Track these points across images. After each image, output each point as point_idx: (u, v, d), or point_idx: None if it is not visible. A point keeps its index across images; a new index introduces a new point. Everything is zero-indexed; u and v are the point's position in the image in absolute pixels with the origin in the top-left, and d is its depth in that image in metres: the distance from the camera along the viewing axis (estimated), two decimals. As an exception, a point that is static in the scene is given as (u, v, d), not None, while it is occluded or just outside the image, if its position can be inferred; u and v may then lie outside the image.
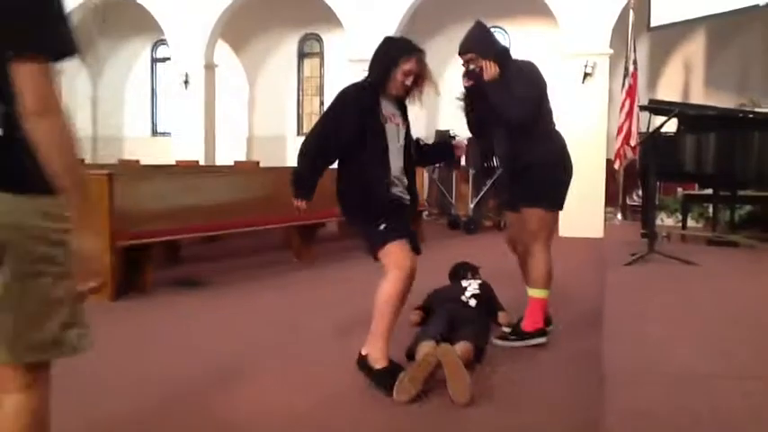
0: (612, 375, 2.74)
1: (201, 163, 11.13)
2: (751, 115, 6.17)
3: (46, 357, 1.59)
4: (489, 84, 3.58)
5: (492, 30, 3.98)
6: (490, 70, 3.58)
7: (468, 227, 9.67)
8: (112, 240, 4.87)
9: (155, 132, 14.77)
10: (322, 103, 12.98)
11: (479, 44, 3.71)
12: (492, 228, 10.10)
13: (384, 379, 3.03)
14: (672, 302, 3.99)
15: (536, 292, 3.78)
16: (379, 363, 3.09)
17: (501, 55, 3.71)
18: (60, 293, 1.56)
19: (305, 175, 3.26)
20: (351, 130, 3.16)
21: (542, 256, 3.74)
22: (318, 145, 3.24)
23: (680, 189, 8.73)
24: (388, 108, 3.26)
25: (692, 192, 7.22)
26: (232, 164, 10.46)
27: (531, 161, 3.70)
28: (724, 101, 9.36)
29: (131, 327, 4.36)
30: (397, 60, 3.17)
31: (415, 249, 3.20)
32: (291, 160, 12.63)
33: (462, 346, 3.27)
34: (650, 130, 6.39)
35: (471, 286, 4.23)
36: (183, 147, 11.99)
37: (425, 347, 3.23)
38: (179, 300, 5.12)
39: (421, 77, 3.25)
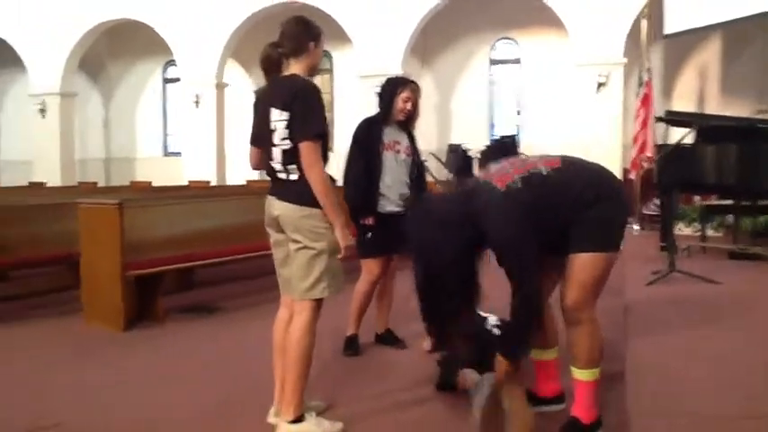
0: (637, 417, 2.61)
1: (213, 183, 11.10)
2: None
3: (308, 297, 2.86)
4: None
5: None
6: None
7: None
8: (123, 270, 4.80)
9: (166, 153, 14.79)
10: (332, 121, 12.91)
11: None
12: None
13: None
14: (697, 334, 3.80)
15: (584, 374, 2.72)
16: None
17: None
18: (313, 262, 2.82)
19: (357, 199, 4.03)
20: (359, 158, 4.07)
21: (590, 323, 2.72)
22: (353, 172, 4.08)
23: (697, 198, 8.56)
24: (390, 136, 4.07)
25: (712, 202, 7.05)
26: (244, 183, 10.41)
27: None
28: (741, 108, 9.19)
29: (143, 360, 4.26)
30: (396, 90, 4.02)
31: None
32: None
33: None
34: (666, 140, 6.27)
35: (491, 318, 4.10)
36: (194, 166, 11.98)
37: (471, 374, 3.17)
38: (192, 328, 5.02)
39: (414, 103, 4.06)
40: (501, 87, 11.51)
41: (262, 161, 3.00)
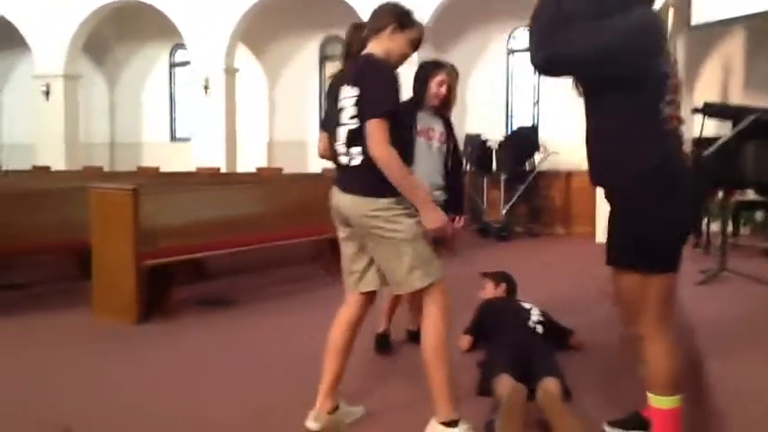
0: None
1: (222, 170, 10.84)
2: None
3: (407, 289, 2.65)
4: None
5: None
6: None
7: (499, 234, 9.30)
8: (137, 260, 4.57)
9: (174, 138, 14.51)
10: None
11: None
12: (524, 234, 9.74)
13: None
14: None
15: (659, 401, 2.35)
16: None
17: None
18: (398, 252, 2.55)
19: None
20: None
21: (660, 341, 2.33)
22: None
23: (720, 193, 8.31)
24: (423, 122, 3.82)
25: (744, 198, 6.81)
26: (254, 170, 10.15)
27: (612, 182, 2.33)
28: (765, 102, 8.93)
29: (162, 355, 4.03)
30: (430, 73, 3.82)
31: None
32: (313, 166, 12.32)
33: (553, 384, 2.92)
34: (701, 134, 6.01)
35: (534, 310, 3.87)
36: (203, 153, 11.71)
37: (506, 383, 2.89)
38: (207, 322, 4.79)
39: (450, 87, 3.84)
40: (519, 77, 11.22)
41: (328, 147, 2.79)
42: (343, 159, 2.64)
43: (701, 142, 5.69)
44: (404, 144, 3.66)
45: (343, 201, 2.64)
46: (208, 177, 8.74)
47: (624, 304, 2.43)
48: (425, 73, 3.86)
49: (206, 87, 11.64)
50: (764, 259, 6.14)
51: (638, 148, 2.23)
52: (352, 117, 2.58)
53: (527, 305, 3.91)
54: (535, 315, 3.80)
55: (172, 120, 14.61)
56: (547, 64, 2.18)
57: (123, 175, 9.22)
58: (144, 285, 4.67)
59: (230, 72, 11.76)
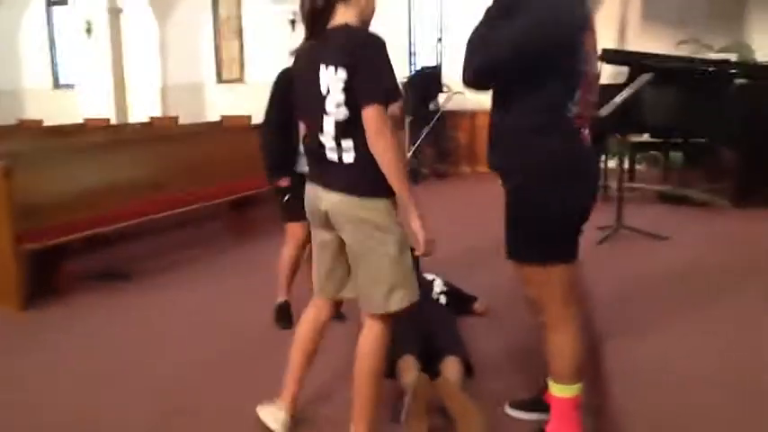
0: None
1: (113, 120, 10.18)
2: (711, 70, 5.93)
3: (385, 310, 2.32)
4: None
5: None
6: None
7: (406, 178, 9.21)
8: (16, 244, 4.19)
9: (57, 85, 13.47)
10: (242, 47, 12.04)
11: None
12: (431, 176, 9.72)
13: None
14: (662, 307, 3.59)
15: (560, 390, 2.38)
16: None
17: None
18: (384, 266, 2.27)
19: (272, 158, 3.82)
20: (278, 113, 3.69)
21: (564, 331, 2.34)
22: (268, 129, 3.80)
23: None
24: None
25: (640, 140, 6.99)
26: (147, 120, 9.57)
27: (510, 169, 2.28)
28: (662, 36, 9.11)
29: (45, 344, 3.75)
30: None
31: None
32: (211, 111, 11.77)
33: (453, 366, 2.92)
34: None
35: (437, 281, 3.83)
36: (90, 101, 10.97)
37: (410, 368, 2.87)
38: (104, 300, 4.50)
39: None
40: (422, 13, 10.95)
41: (308, 136, 2.41)
42: (332, 155, 2.27)
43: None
44: (287, 115, 3.49)
45: (328, 200, 2.29)
46: (96, 132, 8.15)
47: (528, 293, 2.40)
48: None
49: (88, 30, 10.77)
50: (659, 206, 6.37)
51: (536, 140, 2.18)
52: (340, 105, 2.21)
53: (430, 276, 3.87)
54: (438, 286, 3.77)
55: (53, 65, 13.52)
56: (474, 78, 2.17)
57: (1, 132, 8.45)
58: (26, 269, 4.30)
59: (114, 13, 10.94)
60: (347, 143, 2.23)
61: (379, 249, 2.25)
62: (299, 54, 2.41)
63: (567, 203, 2.22)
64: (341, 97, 2.20)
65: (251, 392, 2.88)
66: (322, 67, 2.22)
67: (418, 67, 10.46)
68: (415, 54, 11.10)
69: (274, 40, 10.24)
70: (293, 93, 2.48)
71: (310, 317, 2.62)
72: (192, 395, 3.07)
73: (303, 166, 3.52)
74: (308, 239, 3.73)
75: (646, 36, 9.51)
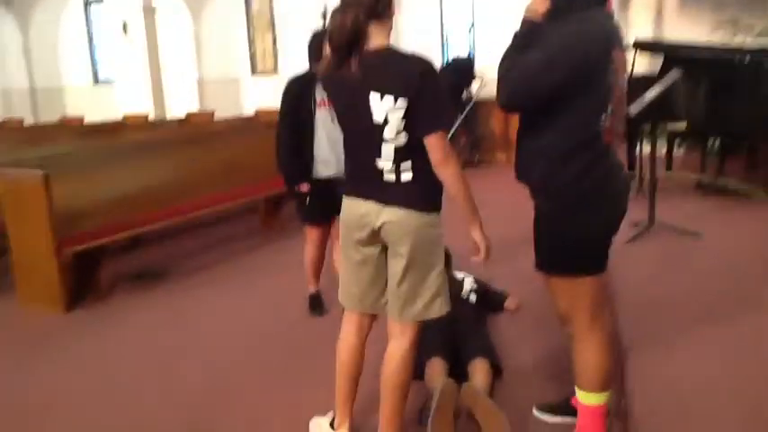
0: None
1: (151, 116, 10.36)
2: (747, 59, 5.75)
3: (424, 317, 2.42)
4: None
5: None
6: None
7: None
8: (58, 248, 4.33)
9: (97, 80, 13.76)
10: (275, 40, 12.12)
11: None
12: (465, 165, 9.68)
13: None
14: (688, 315, 3.55)
15: (587, 397, 2.40)
16: None
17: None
18: (430, 277, 2.36)
19: (289, 164, 3.90)
20: (292, 122, 3.79)
21: (592, 342, 2.35)
22: (284, 134, 3.86)
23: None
24: (322, 93, 3.63)
25: (675, 129, 6.84)
26: (183, 116, 9.71)
27: (537, 184, 2.31)
28: (699, 19, 8.88)
29: (89, 345, 3.89)
30: (323, 42, 2.91)
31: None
32: (248, 104, 11.87)
33: (481, 369, 2.94)
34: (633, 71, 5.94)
35: (467, 280, 3.84)
36: (129, 97, 11.19)
37: (437, 370, 2.90)
38: (142, 300, 4.63)
39: None
40: (453, 4, 10.86)
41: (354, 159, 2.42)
42: (390, 177, 2.29)
43: (631, 81, 5.63)
44: (302, 123, 3.71)
45: (388, 214, 2.30)
46: (135, 131, 8.32)
47: (557, 305, 2.41)
48: (320, 41, 3.54)
49: (124, 28, 10.96)
50: (695, 197, 6.24)
51: (563, 166, 2.18)
52: (400, 132, 2.22)
53: (459, 275, 3.88)
54: (468, 284, 3.78)
55: (93, 62, 13.81)
56: (508, 102, 2.20)
57: (44, 132, 8.67)
58: (68, 272, 4.45)
59: (149, 12, 11.07)
60: (406, 165, 2.27)
61: (430, 260, 2.35)
62: (332, 80, 2.35)
63: (593, 228, 2.24)
64: (401, 125, 2.22)
65: (279, 402, 2.95)
66: (374, 95, 2.20)
67: (451, 56, 10.39)
68: (447, 43, 11.02)
69: (306, 31, 10.26)
70: (337, 118, 2.45)
71: (350, 342, 2.58)
72: (221, 407, 3.14)
73: (320, 173, 3.80)
74: (324, 240, 4.07)
75: (683, 18, 9.28)
